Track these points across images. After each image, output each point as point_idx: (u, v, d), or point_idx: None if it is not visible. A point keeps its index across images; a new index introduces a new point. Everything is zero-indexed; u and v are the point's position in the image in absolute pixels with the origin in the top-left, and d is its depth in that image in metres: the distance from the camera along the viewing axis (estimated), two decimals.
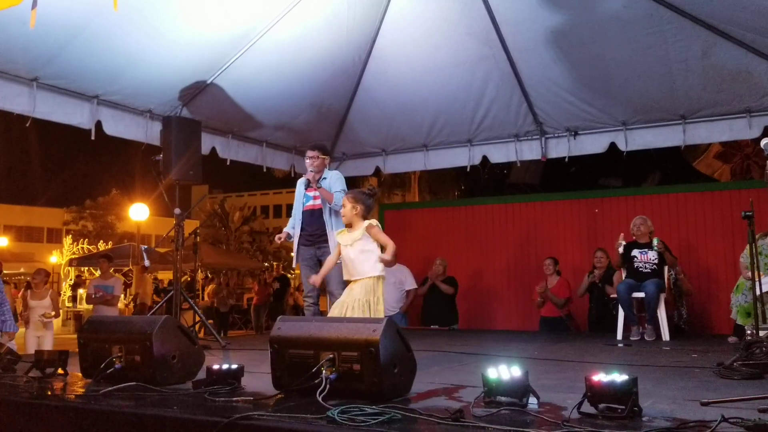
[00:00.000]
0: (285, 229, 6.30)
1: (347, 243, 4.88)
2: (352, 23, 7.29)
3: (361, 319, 4.15)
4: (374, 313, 4.68)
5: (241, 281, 28.43)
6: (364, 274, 4.79)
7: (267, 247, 49.20)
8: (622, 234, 7.01)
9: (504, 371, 3.05)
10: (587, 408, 2.84)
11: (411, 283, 8.94)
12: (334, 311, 4.81)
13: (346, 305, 4.75)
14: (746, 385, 3.73)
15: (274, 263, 37.18)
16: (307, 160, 6.11)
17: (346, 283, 5.09)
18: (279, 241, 6.31)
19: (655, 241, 6.89)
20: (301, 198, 6.20)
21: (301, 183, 6.26)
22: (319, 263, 5.97)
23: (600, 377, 2.83)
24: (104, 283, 9.21)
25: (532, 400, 3.04)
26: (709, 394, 3.29)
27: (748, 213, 5.16)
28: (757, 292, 5.18)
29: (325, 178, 6.08)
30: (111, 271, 10.13)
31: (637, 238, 7.06)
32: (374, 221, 4.89)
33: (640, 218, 7.13)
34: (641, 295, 6.79)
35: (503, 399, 3.03)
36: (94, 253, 25.99)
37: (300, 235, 6.16)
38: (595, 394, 2.84)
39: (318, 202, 6.06)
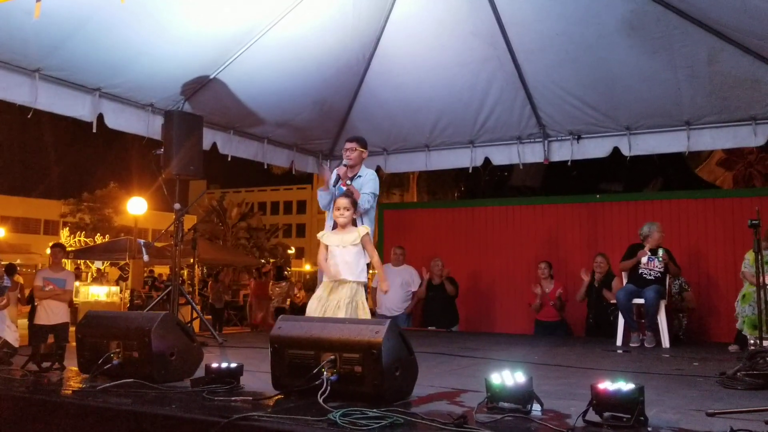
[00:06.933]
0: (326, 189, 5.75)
1: (339, 244, 4.92)
2: (357, 21, 7.25)
3: (363, 320, 4.12)
4: (362, 315, 4.75)
5: (237, 277, 28.41)
6: (356, 277, 4.87)
7: (264, 244, 49.24)
8: (647, 251, 6.94)
9: (507, 377, 3.01)
10: (592, 416, 2.81)
11: (417, 284, 8.89)
12: (313, 306, 4.84)
13: (334, 302, 4.79)
14: (750, 395, 3.70)
15: (271, 260, 37.15)
16: (344, 152, 5.76)
17: None
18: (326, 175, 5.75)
19: (660, 252, 6.85)
20: (334, 191, 5.68)
21: (335, 172, 5.78)
22: None
23: (606, 385, 2.80)
24: (55, 275, 8.08)
25: (536, 407, 3.01)
26: (714, 404, 3.27)
27: (754, 221, 5.12)
28: (762, 302, 5.13)
29: (359, 176, 5.69)
30: (63, 262, 9.03)
31: (647, 245, 6.99)
32: (368, 228, 5.01)
33: (656, 226, 7.02)
34: (641, 301, 6.76)
35: (506, 405, 2.99)
36: (92, 246, 25.98)
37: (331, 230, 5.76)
38: (601, 402, 2.80)
39: None
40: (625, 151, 8.10)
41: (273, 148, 9.04)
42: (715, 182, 12.73)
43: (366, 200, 5.46)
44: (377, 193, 5.64)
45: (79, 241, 34.69)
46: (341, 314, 4.66)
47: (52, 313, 7.85)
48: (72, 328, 6.78)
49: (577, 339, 8.01)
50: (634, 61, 7.05)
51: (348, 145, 5.74)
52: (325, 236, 5.07)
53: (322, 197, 5.70)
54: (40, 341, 6.56)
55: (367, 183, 5.61)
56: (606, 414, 2.79)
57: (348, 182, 5.64)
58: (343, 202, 4.97)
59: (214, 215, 48.89)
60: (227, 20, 6.61)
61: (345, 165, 5.69)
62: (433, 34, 7.46)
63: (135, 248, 17.91)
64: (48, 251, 8.80)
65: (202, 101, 7.53)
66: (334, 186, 5.66)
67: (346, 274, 4.84)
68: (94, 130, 6.80)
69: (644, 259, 6.90)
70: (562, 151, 8.54)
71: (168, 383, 3.81)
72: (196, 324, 8.01)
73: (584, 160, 8.64)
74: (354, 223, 5.05)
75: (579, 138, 8.39)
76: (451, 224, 9.92)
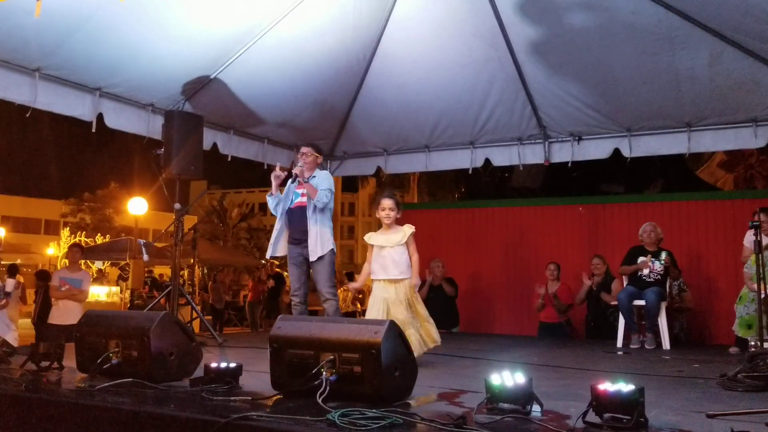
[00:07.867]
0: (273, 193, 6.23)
1: (386, 244, 5.16)
2: (358, 21, 7.24)
3: (363, 320, 4.12)
4: (421, 309, 5.16)
5: (238, 278, 28.39)
6: (406, 274, 5.10)
7: (264, 245, 49.14)
8: (649, 263, 6.91)
9: (507, 377, 3.00)
10: (592, 417, 2.79)
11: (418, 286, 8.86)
12: (380, 307, 4.98)
13: (398, 303, 5.00)
14: (751, 397, 3.68)
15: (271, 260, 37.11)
16: (300, 156, 6.22)
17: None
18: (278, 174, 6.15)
19: (663, 255, 6.83)
20: (290, 192, 6.23)
21: (292, 172, 6.29)
22: (305, 261, 6.14)
23: (606, 386, 2.78)
24: (72, 275, 8.26)
25: (536, 408, 2.99)
26: (714, 406, 3.25)
27: (755, 222, 5.11)
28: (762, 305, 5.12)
29: (314, 177, 6.19)
30: (81, 263, 9.23)
31: (645, 245, 6.98)
32: (413, 228, 5.25)
33: (650, 225, 7.03)
34: (642, 302, 6.75)
35: (506, 406, 2.98)
36: (93, 246, 25.96)
37: (287, 233, 6.25)
38: (601, 403, 2.78)
39: (305, 199, 6.11)
40: (626, 153, 8.08)
41: (273, 148, 9.04)
42: (716, 184, 12.69)
43: (324, 195, 5.97)
44: (333, 189, 6.15)
45: (80, 241, 34.65)
46: (405, 312, 4.97)
47: (66, 313, 7.86)
48: None
49: (577, 340, 7.99)
50: (634, 62, 7.02)
51: (304, 149, 6.23)
52: (372, 237, 5.28)
53: (270, 201, 6.27)
54: (53, 340, 6.56)
55: (323, 181, 6.14)
56: (606, 415, 2.77)
57: (304, 181, 6.09)
58: (388, 203, 5.16)
59: (215, 215, 48.88)
60: (228, 20, 6.59)
61: (300, 167, 6.12)
62: (433, 35, 7.44)
63: (135, 248, 17.89)
64: (48, 251, 8.87)
65: (202, 101, 7.52)
66: (292, 183, 6.20)
67: (395, 273, 5.05)
68: (94, 130, 6.79)
69: (645, 271, 6.87)
70: (563, 153, 8.52)
71: (167, 383, 3.79)
72: (195, 324, 8.01)
73: (585, 162, 8.62)
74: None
75: (579, 139, 8.37)
76: (452, 225, 9.91)
